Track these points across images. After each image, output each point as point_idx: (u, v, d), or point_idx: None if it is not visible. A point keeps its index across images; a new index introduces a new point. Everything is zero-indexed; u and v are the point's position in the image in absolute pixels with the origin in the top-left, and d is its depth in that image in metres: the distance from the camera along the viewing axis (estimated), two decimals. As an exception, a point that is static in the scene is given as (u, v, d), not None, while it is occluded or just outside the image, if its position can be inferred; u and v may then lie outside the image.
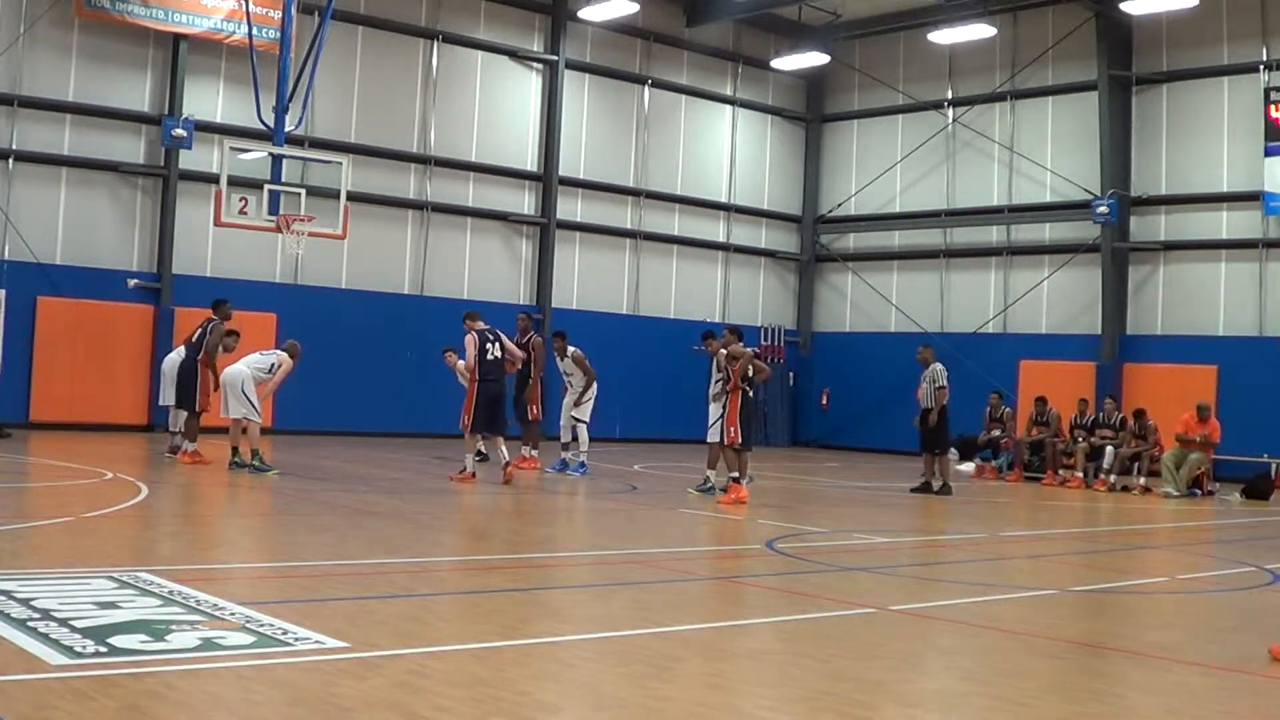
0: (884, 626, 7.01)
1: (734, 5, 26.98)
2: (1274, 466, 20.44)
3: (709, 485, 14.48)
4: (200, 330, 15.49)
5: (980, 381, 24.19)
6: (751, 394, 14.24)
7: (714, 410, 14.20)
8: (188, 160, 21.47)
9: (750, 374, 14.10)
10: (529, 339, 17.26)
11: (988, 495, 17.70)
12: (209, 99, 22.08)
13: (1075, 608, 8.11)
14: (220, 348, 15.41)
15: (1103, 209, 24.27)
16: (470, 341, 14.83)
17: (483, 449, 16.33)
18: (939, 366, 17.11)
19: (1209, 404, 19.53)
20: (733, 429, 13.73)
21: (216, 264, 22.05)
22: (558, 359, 17.06)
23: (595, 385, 16.93)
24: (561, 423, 17.12)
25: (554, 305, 25.99)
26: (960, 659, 6.27)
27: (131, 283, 21.27)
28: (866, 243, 29.55)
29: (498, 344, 14.91)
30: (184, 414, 15.47)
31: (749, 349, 14.54)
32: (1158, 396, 22.04)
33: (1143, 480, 19.00)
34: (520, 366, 16.40)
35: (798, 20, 28.35)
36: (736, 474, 13.79)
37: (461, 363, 16.03)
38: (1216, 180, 23.96)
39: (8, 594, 6.17)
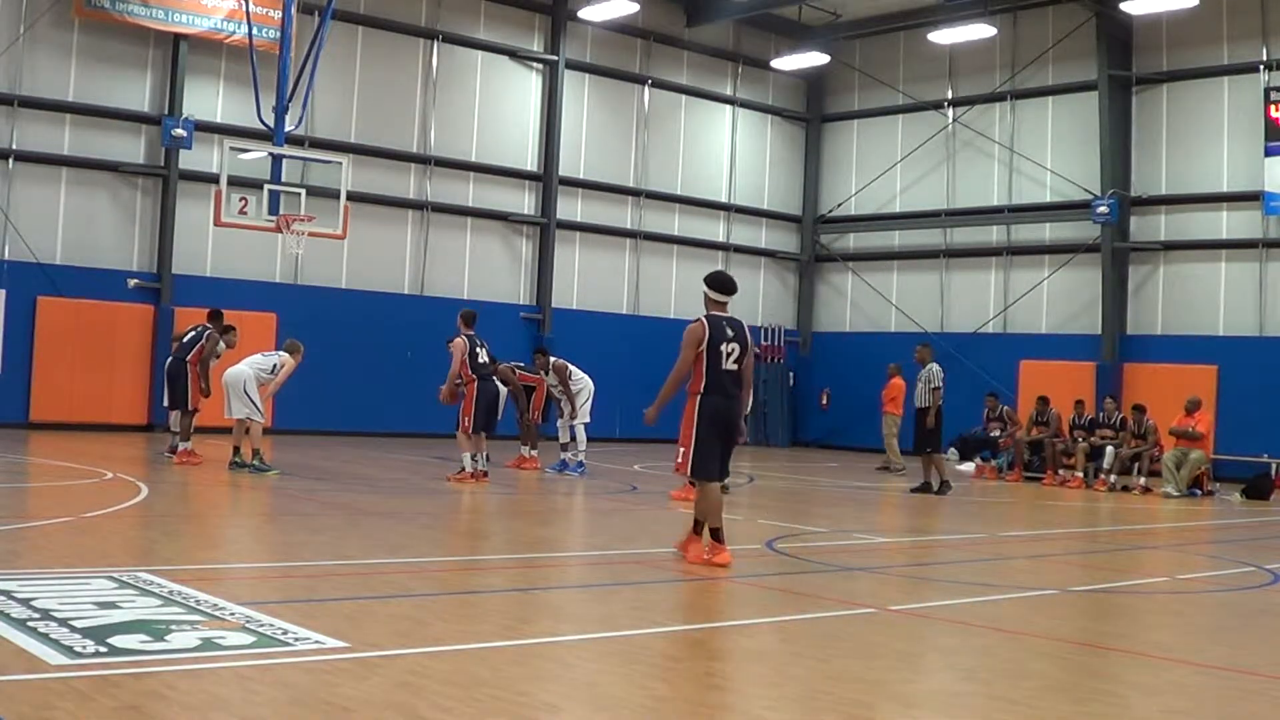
0: (884, 626, 7.00)
1: (734, 5, 26.97)
2: (1274, 466, 20.44)
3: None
4: (194, 331, 15.40)
5: (980, 381, 24.18)
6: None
7: None
8: (188, 160, 21.47)
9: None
10: (550, 363, 17.16)
11: (988, 495, 17.70)
12: (209, 99, 22.08)
13: (1075, 608, 8.11)
14: (223, 346, 15.39)
15: (1103, 209, 24.26)
16: (459, 346, 14.89)
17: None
18: (935, 367, 17.12)
19: (1199, 398, 19.63)
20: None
21: (216, 264, 22.03)
22: (543, 374, 17.12)
23: (589, 387, 17.10)
24: (559, 423, 17.31)
25: (554, 305, 25.99)
26: (960, 659, 6.26)
27: (131, 283, 21.26)
28: (866, 243, 29.54)
29: (485, 348, 15.12)
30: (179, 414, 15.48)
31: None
32: (1158, 396, 21.98)
33: (1143, 480, 19.01)
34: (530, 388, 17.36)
35: (798, 20, 28.34)
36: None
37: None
38: (1216, 180, 23.95)
39: (8, 594, 6.17)
